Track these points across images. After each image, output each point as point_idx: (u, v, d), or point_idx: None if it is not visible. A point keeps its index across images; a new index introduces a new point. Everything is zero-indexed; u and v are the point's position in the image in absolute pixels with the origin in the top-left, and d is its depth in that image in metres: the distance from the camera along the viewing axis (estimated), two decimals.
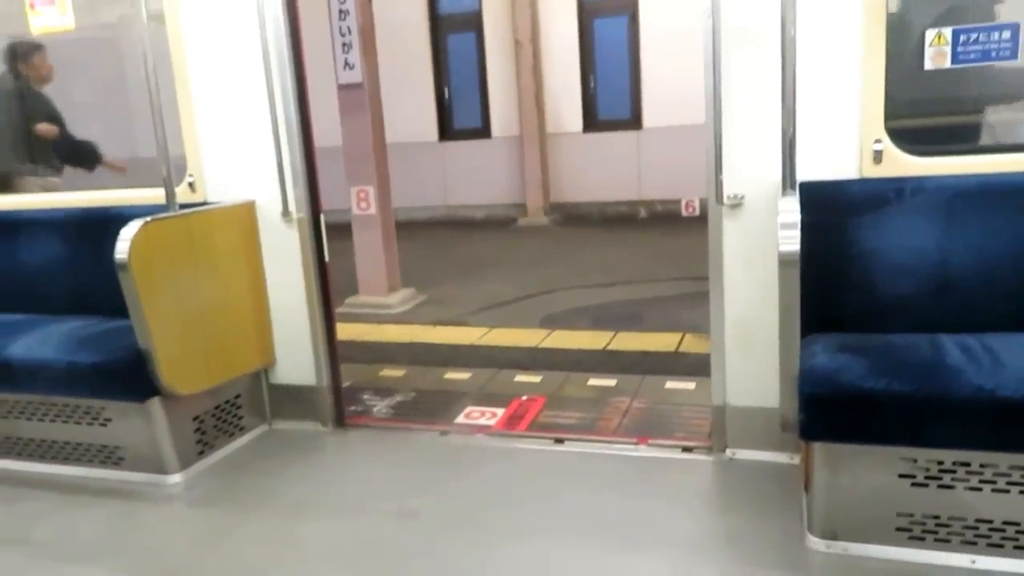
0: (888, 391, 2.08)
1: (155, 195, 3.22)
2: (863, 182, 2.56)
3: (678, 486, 2.76)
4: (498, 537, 2.50)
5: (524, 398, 3.65)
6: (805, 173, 2.51)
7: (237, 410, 3.34)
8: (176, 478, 3.04)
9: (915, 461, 2.14)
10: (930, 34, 2.52)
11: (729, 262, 2.76)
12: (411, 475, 2.99)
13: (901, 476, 2.16)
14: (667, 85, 8.94)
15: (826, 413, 2.16)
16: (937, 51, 2.51)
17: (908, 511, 2.18)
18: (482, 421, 3.42)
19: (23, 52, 5.08)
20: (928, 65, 2.53)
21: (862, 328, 2.48)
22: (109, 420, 3.06)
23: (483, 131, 10.24)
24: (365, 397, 3.80)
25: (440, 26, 10.21)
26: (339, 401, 3.47)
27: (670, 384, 3.71)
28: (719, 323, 2.82)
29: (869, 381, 2.11)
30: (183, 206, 3.17)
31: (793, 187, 2.41)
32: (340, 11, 5.42)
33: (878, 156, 2.52)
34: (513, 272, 7.00)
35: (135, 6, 2.93)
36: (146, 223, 2.83)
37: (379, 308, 5.80)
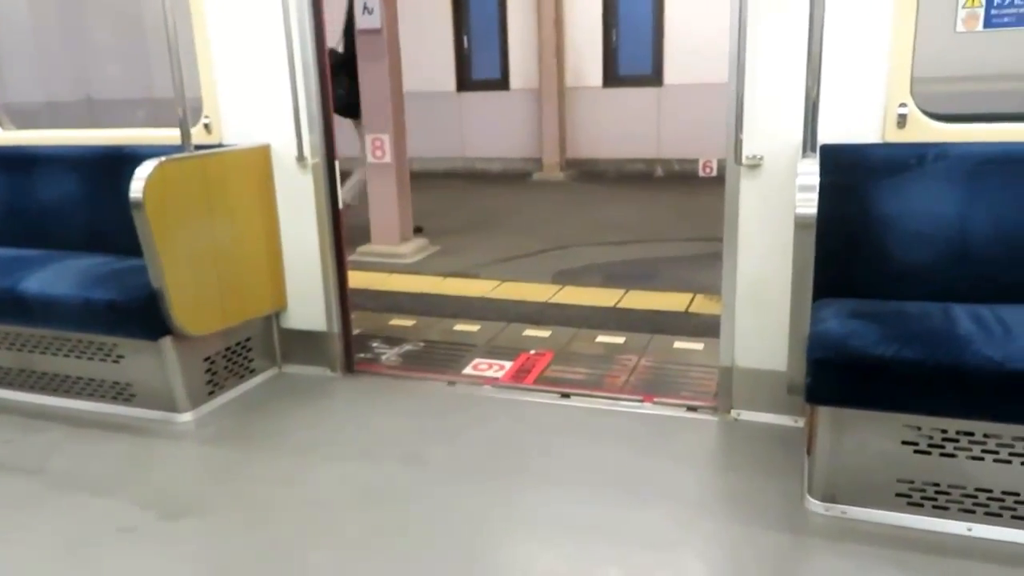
0: (896, 358, 2.08)
1: (170, 136, 3.21)
2: (886, 146, 2.52)
3: (682, 444, 2.78)
4: (502, 486, 2.53)
5: (532, 352, 3.67)
6: (826, 135, 2.48)
7: (248, 352, 3.38)
8: (186, 416, 3.09)
9: (919, 429, 2.15)
10: None
11: (744, 223, 2.74)
12: (418, 423, 3.03)
13: (904, 443, 2.17)
14: (690, 42, 8.77)
15: (833, 378, 2.16)
16: (969, 13, 2.45)
17: (908, 477, 2.19)
18: (490, 373, 3.44)
19: None
20: (959, 28, 2.47)
21: (875, 294, 2.47)
22: (122, 357, 3.10)
23: (502, 83, 10.10)
24: (374, 345, 3.83)
25: None
26: (349, 348, 3.50)
27: (678, 344, 3.72)
28: (731, 284, 2.81)
29: (878, 348, 2.10)
30: (198, 147, 3.16)
31: (814, 149, 2.37)
32: None
33: (902, 120, 2.48)
34: (526, 226, 6.97)
35: None
36: (161, 163, 2.83)
37: (391, 257, 5.81)
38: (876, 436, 2.19)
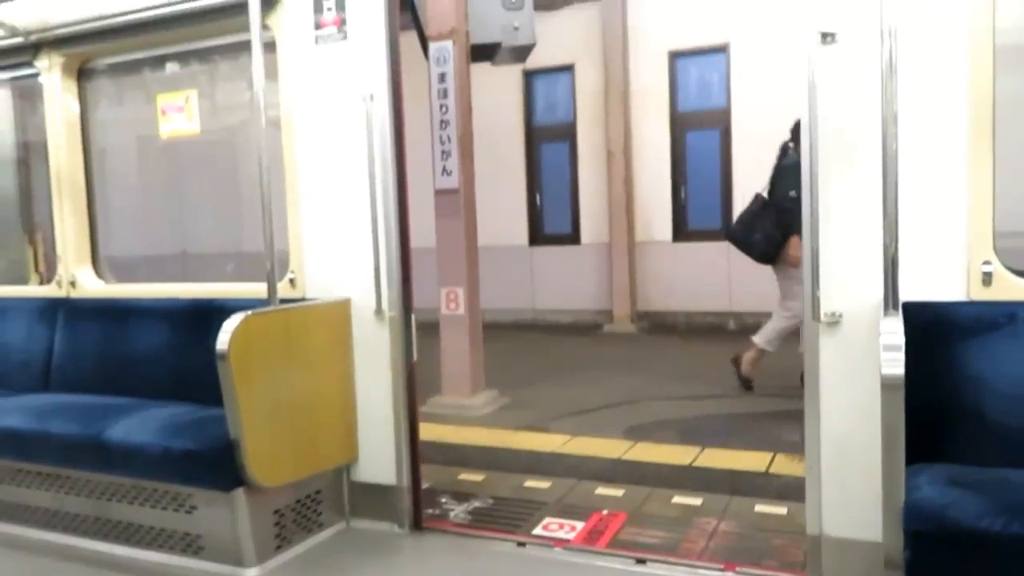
0: (1005, 533, 1.91)
1: (257, 289, 3.36)
2: (971, 305, 2.44)
3: None
4: None
5: (605, 512, 3.53)
6: (908, 292, 2.42)
7: (317, 505, 3.35)
8: (252, 572, 3.03)
9: None
10: None
11: (826, 381, 2.65)
12: None
13: None
14: None
15: (935, 552, 2.00)
16: None
17: None
18: (561, 534, 3.31)
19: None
20: None
21: (970, 460, 2.31)
22: (194, 508, 3.11)
23: (573, 237, 10.36)
24: (443, 500, 3.75)
25: (535, 136, 10.56)
26: (418, 503, 3.43)
27: (760, 507, 3.52)
28: (814, 445, 2.69)
29: (983, 520, 1.94)
30: (283, 301, 3.29)
31: (896, 307, 2.31)
32: (441, 121, 5.70)
33: (987, 278, 2.42)
34: (597, 379, 6.91)
35: (255, 113, 3.14)
36: (247, 316, 2.95)
37: (461, 409, 5.79)
38: None
